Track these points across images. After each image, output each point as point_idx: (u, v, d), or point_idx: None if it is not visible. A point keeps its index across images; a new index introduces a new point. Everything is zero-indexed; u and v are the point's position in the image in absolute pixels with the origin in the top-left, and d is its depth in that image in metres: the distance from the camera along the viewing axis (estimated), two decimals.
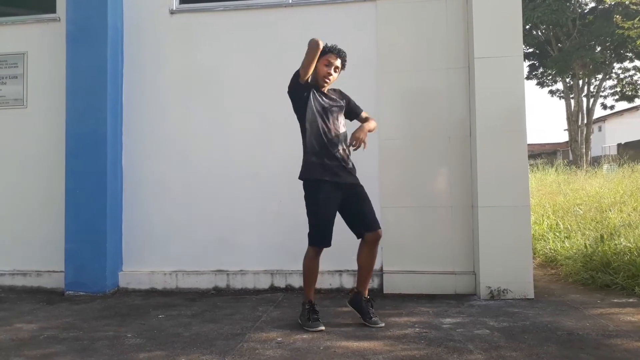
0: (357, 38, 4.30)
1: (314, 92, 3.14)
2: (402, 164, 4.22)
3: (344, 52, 3.21)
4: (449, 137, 4.17)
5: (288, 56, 4.38)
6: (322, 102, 3.15)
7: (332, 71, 3.16)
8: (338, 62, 3.17)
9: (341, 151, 3.14)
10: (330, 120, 3.13)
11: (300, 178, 3.18)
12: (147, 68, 4.56)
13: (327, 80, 3.18)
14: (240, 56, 4.46)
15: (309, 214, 3.14)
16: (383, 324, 3.14)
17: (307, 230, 3.18)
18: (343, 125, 3.22)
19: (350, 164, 3.21)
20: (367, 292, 3.25)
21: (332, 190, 3.09)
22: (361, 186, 3.22)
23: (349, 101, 3.32)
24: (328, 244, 3.13)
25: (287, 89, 3.23)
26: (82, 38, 4.37)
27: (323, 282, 4.18)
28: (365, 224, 3.15)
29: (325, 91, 3.23)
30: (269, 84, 4.39)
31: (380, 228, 3.18)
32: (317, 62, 3.10)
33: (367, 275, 3.23)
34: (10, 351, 2.83)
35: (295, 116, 3.18)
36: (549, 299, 3.78)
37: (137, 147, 4.53)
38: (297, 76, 3.15)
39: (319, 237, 3.11)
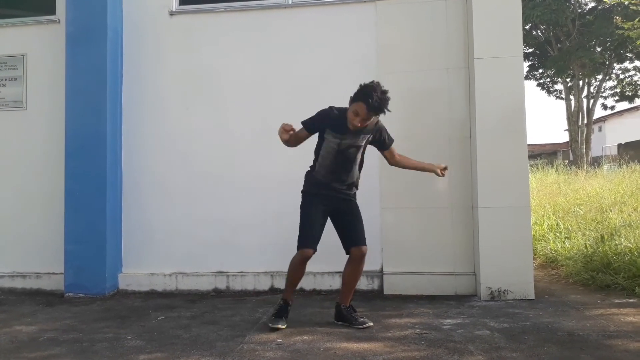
0: (357, 38, 4.31)
1: (329, 132, 3.06)
2: None
3: (382, 104, 2.88)
4: (449, 137, 4.17)
5: (288, 57, 4.41)
6: (340, 144, 3.03)
7: (358, 122, 2.94)
8: (367, 115, 2.91)
9: (345, 188, 3.15)
10: (341, 163, 3.08)
11: (301, 191, 3.22)
12: (146, 69, 4.56)
13: (356, 127, 2.98)
14: (240, 57, 4.46)
15: (300, 220, 3.15)
16: (372, 323, 3.17)
17: None
18: (358, 163, 3.17)
19: (352, 192, 3.21)
20: (348, 302, 3.26)
21: (319, 200, 3.11)
22: (354, 201, 3.21)
23: (374, 135, 3.14)
24: (308, 246, 3.07)
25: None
26: (82, 39, 4.37)
27: (323, 283, 4.18)
28: (351, 239, 3.15)
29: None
30: (269, 85, 4.41)
31: (365, 245, 3.15)
32: (350, 105, 2.98)
33: (349, 291, 3.24)
34: (9, 353, 2.83)
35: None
36: (549, 300, 3.77)
37: (137, 148, 4.53)
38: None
39: (301, 238, 3.10)
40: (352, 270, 3.20)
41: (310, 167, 3.23)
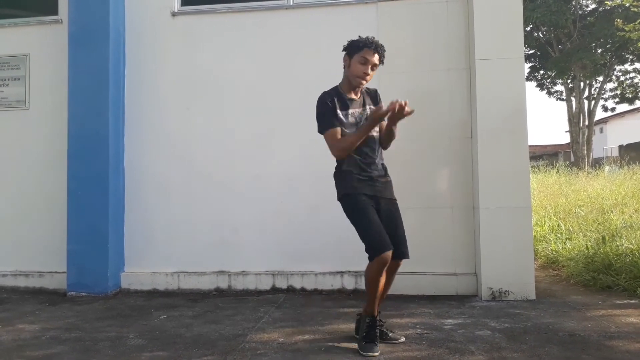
0: None
1: (340, 112, 2.75)
2: (403, 165, 4.20)
3: (383, 47, 2.76)
4: (450, 138, 4.18)
5: (289, 58, 4.42)
6: (356, 119, 2.79)
7: (369, 70, 2.74)
8: (375, 59, 2.74)
9: (379, 166, 2.86)
10: (368, 143, 2.77)
11: (338, 198, 2.81)
12: (149, 70, 4.57)
13: (363, 81, 2.78)
14: (241, 58, 4.47)
15: (357, 227, 2.73)
16: (404, 339, 2.86)
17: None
18: (376, 133, 2.85)
19: (389, 178, 2.93)
20: (376, 311, 2.80)
21: (367, 200, 2.75)
22: (397, 204, 2.92)
23: (377, 103, 2.90)
24: (386, 248, 2.65)
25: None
26: (84, 40, 4.38)
27: (324, 283, 4.18)
28: (394, 249, 2.72)
29: (357, 95, 2.85)
30: (271, 86, 4.42)
31: (407, 257, 2.83)
32: (350, 60, 2.78)
33: (379, 300, 2.81)
34: (12, 352, 2.84)
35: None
36: (550, 300, 3.78)
37: (139, 149, 4.54)
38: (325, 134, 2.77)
39: (373, 244, 2.66)
40: (386, 280, 2.82)
41: (337, 164, 2.84)
